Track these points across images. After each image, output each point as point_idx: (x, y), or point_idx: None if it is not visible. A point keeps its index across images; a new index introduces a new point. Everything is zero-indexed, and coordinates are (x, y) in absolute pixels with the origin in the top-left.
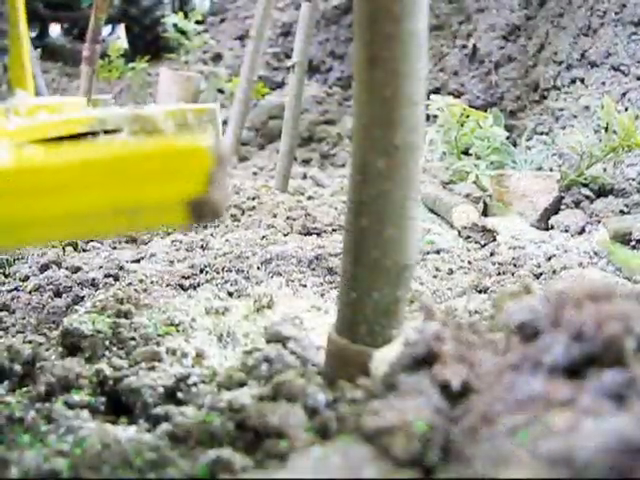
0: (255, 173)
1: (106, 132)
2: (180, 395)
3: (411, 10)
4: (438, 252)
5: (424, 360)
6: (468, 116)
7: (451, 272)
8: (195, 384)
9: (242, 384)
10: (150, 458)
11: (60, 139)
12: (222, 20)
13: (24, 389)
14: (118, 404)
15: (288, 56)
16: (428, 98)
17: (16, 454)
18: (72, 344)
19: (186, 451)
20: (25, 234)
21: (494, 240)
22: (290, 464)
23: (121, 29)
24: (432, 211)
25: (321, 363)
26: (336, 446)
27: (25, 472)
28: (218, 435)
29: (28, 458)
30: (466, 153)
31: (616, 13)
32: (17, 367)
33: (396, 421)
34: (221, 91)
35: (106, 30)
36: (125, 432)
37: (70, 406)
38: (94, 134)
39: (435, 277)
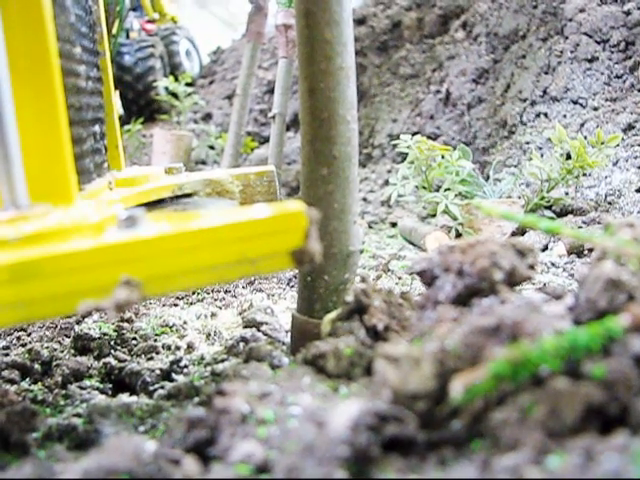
0: None
1: (184, 195)
2: (174, 376)
3: (340, 51)
4: (410, 274)
5: (357, 311)
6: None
7: (413, 280)
8: (186, 366)
9: (223, 360)
10: (147, 409)
11: (151, 203)
12: (211, 82)
13: (44, 381)
14: (123, 386)
15: None
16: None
17: (42, 417)
18: (83, 346)
19: (177, 403)
20: (176, 283)
21: None
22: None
23: (116, 95)
24: (409, 241)
25: (289, 342)
26: (284, 369)
27: (49, 427)
28: (201, 390)
29: (51, 420)
30: (439, 188)
31: (571, 52)
32: (37, 366)
33: (329, 349)
34: (212, 147)
35: None
36: (129, 398)
37: (83, 388)
38: (175, 198)
39: (397, 284)
